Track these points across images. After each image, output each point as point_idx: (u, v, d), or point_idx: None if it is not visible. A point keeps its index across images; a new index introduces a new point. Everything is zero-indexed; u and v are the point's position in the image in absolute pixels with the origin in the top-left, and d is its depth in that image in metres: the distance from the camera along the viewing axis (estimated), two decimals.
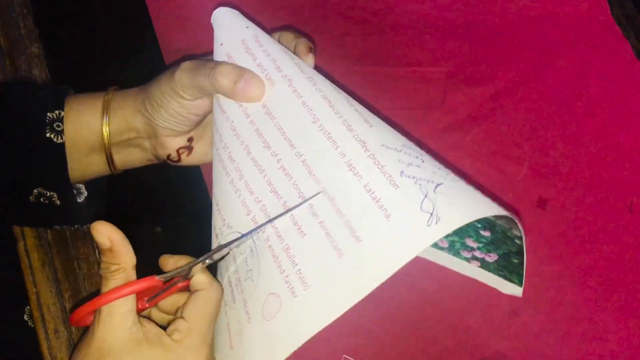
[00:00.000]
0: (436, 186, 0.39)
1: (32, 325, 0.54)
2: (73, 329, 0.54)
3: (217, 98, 0.46)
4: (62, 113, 0.49)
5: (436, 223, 0.38)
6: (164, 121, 0.48)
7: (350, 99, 0.44)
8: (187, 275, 0.44)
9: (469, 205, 0.39)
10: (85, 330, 0.42)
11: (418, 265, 0.56)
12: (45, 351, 0.53)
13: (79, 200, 0.53)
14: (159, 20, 0.64)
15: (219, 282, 0.45)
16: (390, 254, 0.39)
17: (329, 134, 0.42)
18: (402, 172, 0.40)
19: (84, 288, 0.55)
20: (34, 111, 0.49)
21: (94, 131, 0.49)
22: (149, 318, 0.44)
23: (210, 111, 0.48)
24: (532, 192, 0.58)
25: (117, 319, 0.40)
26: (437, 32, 0.63)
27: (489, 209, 0.40)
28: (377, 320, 0.55)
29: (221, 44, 0.48)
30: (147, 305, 0.44)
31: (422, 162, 0.41)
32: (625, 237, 0.56)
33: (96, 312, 0.41)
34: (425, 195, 0.39)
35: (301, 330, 0.39)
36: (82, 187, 0.53)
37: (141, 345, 0.41)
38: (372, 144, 0.41)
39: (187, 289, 0.45)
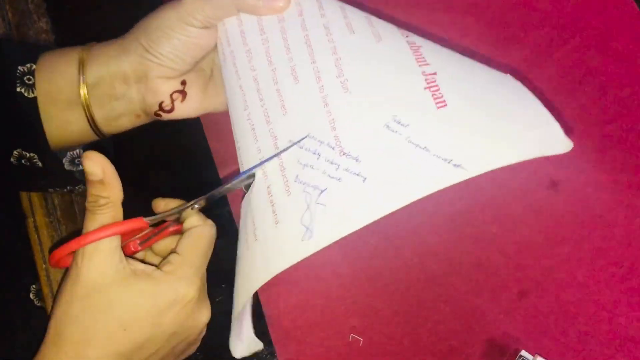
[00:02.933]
0: (320, 193, 0.41)
1: (38, 304, 0.54)
2: None
3: (224, 24, 0.45)
4: (34, 66, 0.46)
5: (309, 239, 0.40)
6: (163, 56, 0.45)
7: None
8: (179, 220, 0.44)
9: (344, 218, 0.41)
10: (65, 272, 0.42)
11: (426, 246, 0.56)
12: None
13: (74, 169, 0.52)
14: None
15: (211, 221, 0.45)
16: (269, 261, 0.42)
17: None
18: (296, 176, 0.42)
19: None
20: (3, 65, 0.46)
21: (69, 82, 0.46)
22: (142, 261, 0.44)
23: (211, 48, 0.46)
24: (544, 173, 0.57)
25: (103, 255, 0.40)
26: (450, 9, 0.62)
27: (366, 216, 0.41)
28: (385, 301, 0.55)
29: None
30: (139, 248, 0.44)
31: (318, 157, 0.42)
32: (638, 220, 0.56)
33: (79, 252, 0.40)
34: (307, 207, 0.41)
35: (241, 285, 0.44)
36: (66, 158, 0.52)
37: (129, 280, 0.40)
38: (281, 138, 0.43)
39: (179, 232, 0.45)
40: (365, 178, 0.41)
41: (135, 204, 0.44)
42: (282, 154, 0.43)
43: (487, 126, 0.42)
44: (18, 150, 0.47)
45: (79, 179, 0.51)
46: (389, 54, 0.44)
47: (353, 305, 0.55)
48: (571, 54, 0.60)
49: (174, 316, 0.42)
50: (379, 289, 0.55)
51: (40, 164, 0.48)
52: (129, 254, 0.44)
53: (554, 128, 0.42)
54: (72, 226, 0.56)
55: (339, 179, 0.41)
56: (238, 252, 0.45)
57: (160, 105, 0.47)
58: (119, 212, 0.41)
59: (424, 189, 0.41)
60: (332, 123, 0.42)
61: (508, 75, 0.45)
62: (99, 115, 0.47)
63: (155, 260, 0.46)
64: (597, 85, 0.59)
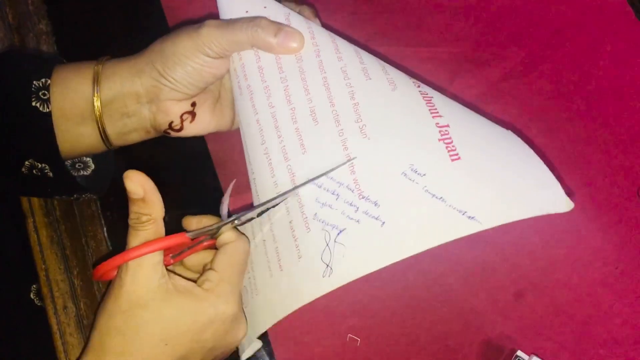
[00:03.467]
0: (338, 233, 0.43)
1: (39, 304, 0.54)
2: (82, 304, 0.55)
3: (240, 57, 0.47)
4: (49, 81, 0.47)
5: (329, 276, 0.42)
6: (176, 81, 0.46)
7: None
8: (214, 235, 0.45)
9: (362, 259, 0.43)
10: (108, 285, 0.43)
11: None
12: (54, 327, 0.54)
13: (85, 173, 0.52)
14: None
15: (246, 236, 0.46)
16: (293, 293, 0.44)
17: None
18: (315, 214, 0.44)
19: (92, 265, 0.55)
20: (19, 80, 0.47)
21: (83, 99, 0.47)
22: (181, 276, 0.45)
23: (224, 75, 0.48)
24: None
25: (146, 270, 0.41)
26: (447, 12, 0.62)
27: (385, 259, 0.43)
28: (382, 301, 0.55)
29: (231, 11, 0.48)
30: (171, 261, 0.45)
31: (337, 197, 0.44)
32: (633, 222, 0.56)
33: (122, 266, 0.41)
34: (327, 245, 0.43)
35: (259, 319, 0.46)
36: (90, 160, 0.52)
37: (171, 295, 0.41)
38: (299, 175, 0.45)
39: (212, 247, 0.46)
40: (384, 222, 0.43)
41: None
42: (300, 192, 0.44)
43: (498, 182, 0.43)
44: (30, 160, 0.48)
45: (85, 187, 0.52)
46: (404, 102, 0.45)
47: (351, 305, 0.55)
48: (567, 58, 0.60)
49: (213, 332, 0.43)
50: (376, 289, 0.55)
51: (51, 174, 0.49)
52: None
53: (557, 190, 0.43)
54: (71, 226, 0.56)
55: (357, 221, 0.43)
56: (258, 275, 0.47)
57: (170, 124, 0.49)
58: (160, 228, 0.42)
59: (440, 237, 0.42)
60: (351, 166, 0.44)
61: (509, 131, 0.46)
62: (111, 131, 0.48)
63: (188, 273, 0.47)
64: (593, 87, 0.60)
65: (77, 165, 0.52)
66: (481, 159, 0.43)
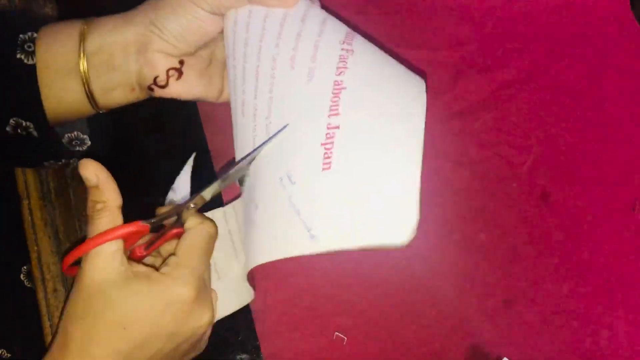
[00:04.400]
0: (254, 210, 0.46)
1: (29, 285, 0.54)
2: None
3: (235, 15, 0.46)
4: (35, 34, 0.46)
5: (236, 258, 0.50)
6: (168, 31, 0.46)
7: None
8: (181, 222, 0.46)
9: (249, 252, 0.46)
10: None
11: (415, 250, 0.56)
12: (44, 309, 0.54)
13: (80, 149, 0.52)
14: None
15: (212, 220, 0.47)
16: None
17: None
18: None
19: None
20: (4, 32, 0.47)
21: (69, 51, 0.46)
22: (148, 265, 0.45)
23: (214, 35, 0.47)
24: (536, 183, 0.58)
25: (103, 258, 0.41)
26: (453, 17, 0.62)
27: (254, 259, 0.45)
28: (371, 302, 0.55)
29: None
30: (144, 252, 0.46)
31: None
32: (626, 236, 0.56)
33: (84, 256, 0.42)
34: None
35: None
36: (86, 137, 0.52)
37: (129, 281, 0.42)
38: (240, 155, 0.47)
39: (180, 236, 0.46)
40: (254, 221, 0.45)
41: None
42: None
43: (354, 204, 0.41)
44: (15, 119, 0.47)
45: (73, 152, 0.52)
46: (310, 97, 0.43)
47: (339, 304, 0.55)
48: (570, 68, 0.60)
49: (172, 316, 0.43)
50: (366, 289, 0.55)
51: (36, 133, 0.48)
52: (137, 259, 0.46)
53: (409, 222, 0.41)
54: (65, 209, 0.56)
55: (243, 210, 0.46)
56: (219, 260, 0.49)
57: (155, 79, 0.47)
58: (117, 217, 0.42)
59: (285, 251, 0.43)
60: (253, 165, 0.45)
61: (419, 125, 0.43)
62: (95, 86, 0.47)
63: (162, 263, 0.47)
64: (594, 99, 0.60)
65: (73, 142, 0.52)
66: (350, 173, 0.42)
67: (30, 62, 0.46)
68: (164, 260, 0.45)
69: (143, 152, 0.59)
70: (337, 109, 0.42)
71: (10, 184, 0.56)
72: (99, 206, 0.42)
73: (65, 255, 0.43)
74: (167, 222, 0.46)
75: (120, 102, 0.49)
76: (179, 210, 0.45)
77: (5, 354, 0.50)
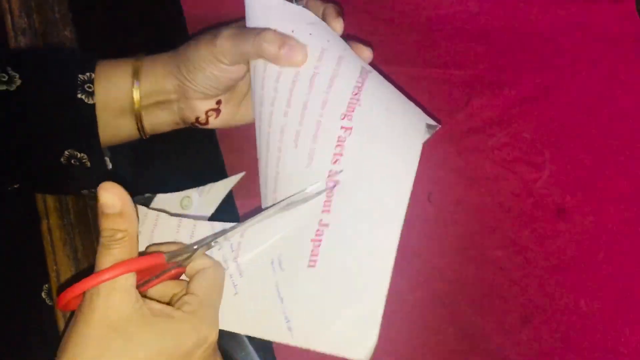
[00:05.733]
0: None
1: (50, 304, 0.55)
2: None
3: (255, 64, 0.47)
4: (93, 75, 0.49)
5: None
6: (198, 84, 0.49)
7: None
8: (184, 262, 0.43)
9: (223, 314, 0.44)
10: (72, 314, 0.39)
11: (432, 266, 0.56)
12: (62, 328, 0.54)
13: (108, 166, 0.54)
14: (190, 12, 0.65)
15: (220, 262, 0.46)
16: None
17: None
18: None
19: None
20: (65, 73, 0.50)
21: (124, 93, 0.50)
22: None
23: (242, 77, 0.50)
24: (551, 200, 0.58)
25: (120, 294, 0.37)
26: (464, 35, 0.63)
27: (234, 326, 0.45)
28: (389, 319, 0.55)
29: (257, 16, 0.48)
30: (139, 290, 0.41)
31: (219, 248, 0.46)
32: None
33: (92, 290, 0.37)
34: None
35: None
36: (107, 159, 0.53)
37: (149, 319, 0.38)
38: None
39: (178, 277, 0.45)
40: (236, 292, 0.45)
41: None
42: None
43: (327, 310, 0.44)
44: (70, 150, 0.50)
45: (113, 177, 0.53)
46: (307, 184, 0.45)
47: None
48: (583, 85, 0.61)
49: (200, 357, 0.40)
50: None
51: (89, 164, 0.51)
52: None
53: (368, 340, 0.43)
54: (85, 229, 0.57)
55: (230, 276, 0.46)
56: None
57: (196, 119, 0.51)
58: (135, 247, 0.40)
59: (262, 333, 0.45)
60: (244, 229, 0.46)
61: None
62: (146, 122, 0.51)
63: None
64: (607, 115, 0.60)
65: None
66: (330, 278, 0.43)
67: (91, 101, 0.49)
68: (179, 299, 0.42)
69: (160, 172, 0.59)
70: (329, 206, 0.44)
71: (30, 205, 0.56)
72: (119, 235, 0.38)
73: (64, 288, 0.38)
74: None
75: (166, 131, 0.53)
76: (190, 250, 0.43)
77: None
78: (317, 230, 0.44)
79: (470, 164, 0.59)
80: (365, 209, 0.44)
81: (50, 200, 0.57)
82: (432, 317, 0.55)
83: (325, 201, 0.44)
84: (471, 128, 0.60)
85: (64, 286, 0.41)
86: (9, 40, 0.62)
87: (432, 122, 0.46)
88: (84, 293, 0.38)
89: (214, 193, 0.54)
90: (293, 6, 0.48)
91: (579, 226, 0.57)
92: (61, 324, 0.54)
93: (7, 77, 0.48)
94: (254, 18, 0.48)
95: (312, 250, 0.44)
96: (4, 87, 0.48)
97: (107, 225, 0.39)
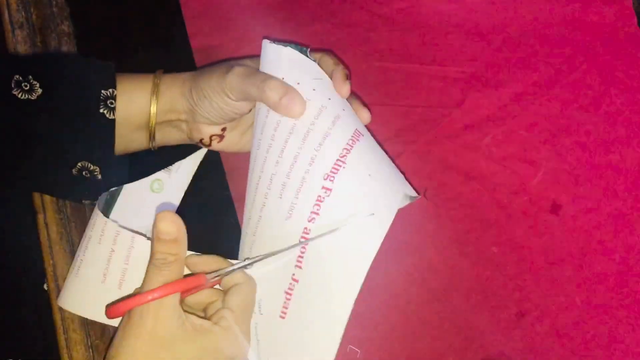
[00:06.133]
0: None
1: (47, 296, 0.55)
2: None
3: (260, 107, 0.50)
4: (115, 92, 0.51)
5: None
6: (205, 112, 0.51)
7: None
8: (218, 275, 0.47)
9: None
10: (121, 326, 0.43)
11: (427, 261, 0.57)
12: (58, 322, 0.54)
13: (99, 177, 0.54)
14: (188, 7, 0.65)
15: (253, 278, 0.48)
16: None
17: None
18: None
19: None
20: (87, 86, 0.51)
21: (142, 109, 0.52)
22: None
23: (247, 112, 0.52)
24: (547, 197, 0.58)
25: (167, 311, 0.42)
26: (461, 32, 0.63)
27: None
28: (384, 314, 0.56)
29: (269, 60, 0.50)
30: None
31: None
32: (639, 247, 0.56)
33: (143, 307, 0.41)
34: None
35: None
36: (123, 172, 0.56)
37: (191, 335, 0.42)
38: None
39: (212, 286, 0.47)
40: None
41: None
42: None
43: (290, 357, 0.47)
44: (83, 162, 0.52)
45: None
46: (284, 240, 0.47)
47: (352, 316, 0.55)
48: (579, 82, 0.61)
49: None
50: (379, 302, 0.56)
51: (100, 176, 0.52)
52: None
53: None
54: (81, 223, 0.57)
55: None
56: None
57: (200, 140, 0.54)
58: (182, 269, 0.44)
59: None
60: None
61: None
62: (157, 137, 0.54)
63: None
64: (603, 113, 0.60)
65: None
66: (294, 332, 0.47)
67: (112, 116, 0.51)
68: (214, 313, 0.46)
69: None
70: (301, 262, 0.46)
71: (27, 199, 0.57)
72: (171, 258, 0.43)
73: (116, 302, 0.43)
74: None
75: (173, 144, 0.56)
76: (236, 268, 0.47)
77: None
78: (290, 283, 0.46)
79: (466, 161, 0.59)
80: (329, 273, 0.46)
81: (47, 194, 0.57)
82: (427, 312, 0.56)
83: (298, 256, 0.46)
84: (467, 125, 0.60)
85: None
86: (6, 34, 0.62)
87: (413, 193, 0.49)
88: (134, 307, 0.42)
89: (182, 171, 0.56)
90: (304, 59, 0.50)
91: (574, 223, 0.57)
92: (57, 316, 0.54)
93: (28, 85, 0.50)
94: (266, 62, 0.50)
95: (284, 302, 0.47)
96: (25, 97, 0.50)
97: (160, 249, 0.43)
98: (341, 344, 0.54)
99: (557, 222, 0.57)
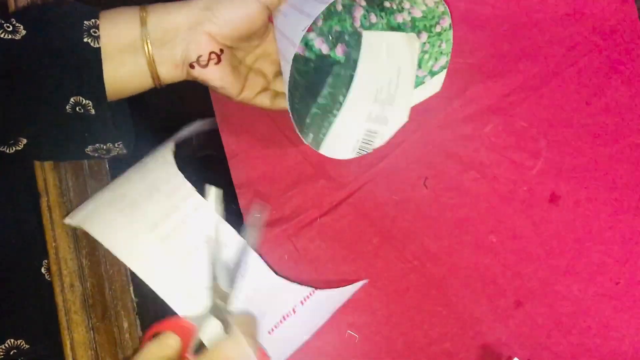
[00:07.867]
0: None
1: (49, 279, 0.55)
2: (88, 284, 0.56)
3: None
4: (98, 21, 0.51)
5: None
6: (221, 16, 0.51)
7: None
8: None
9: None
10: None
11: (427, 250, 0.57)
12: (60, 304, 0.54)
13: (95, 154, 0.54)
14: None
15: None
16: None
17: None
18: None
19: (100, 245, 0.56)
20: (70, 21, 0.51)
21: (130, 31, 0.51)
22: None
23: (259, 28, 0.53)
24: (546, 187, 0.58)
25: None
26: (463, 24, 0.64)
27: None
28: (383, 300, 0.56)
29: None
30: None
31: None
32: (636, 238, 0.57)
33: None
34: None
35: None
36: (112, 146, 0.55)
37: None
38: None
39: None
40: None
41: None
42: None
43: None
44: (75, 97, 0.51)
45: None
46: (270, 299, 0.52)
47: (351, 302, 0.56)
48: (579, 73, 0.61)
49: None
50: (378, 288, 0.56)
51: (93, 111, 0.52)
52: None
53: None
54: None
55: None
56: None
57: (198, 57, 0.52)
58: None
59: None
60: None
61: None
62: (155, 60, 0.52)
63: None
64: (602, 105, 0.61)
65: (97, 152, 0.55)
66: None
67: (96, 45, 0.50)
68: None
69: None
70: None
71: (31, 182, 0.57)
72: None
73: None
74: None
75: (165, 80, 0.54)
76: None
77: (24, 345, 0.50)
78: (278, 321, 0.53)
79: (466, 151, 0.60)
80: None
81: (50, 177, 0.57)
82: (425, 299, 0.56)
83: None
84: (468, 115, 0.61)
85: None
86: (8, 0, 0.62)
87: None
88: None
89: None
90: None
91: (572, 213, 0.58)
92: (59, 298, 0.54)
93: (11, 27, 0.49)
94: None
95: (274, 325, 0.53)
96: (8, 37, 0.49)
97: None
98: (340, 329, 0.55)
99: (556, 212, 0.58)
